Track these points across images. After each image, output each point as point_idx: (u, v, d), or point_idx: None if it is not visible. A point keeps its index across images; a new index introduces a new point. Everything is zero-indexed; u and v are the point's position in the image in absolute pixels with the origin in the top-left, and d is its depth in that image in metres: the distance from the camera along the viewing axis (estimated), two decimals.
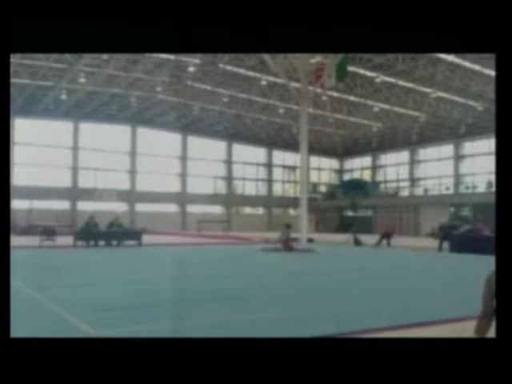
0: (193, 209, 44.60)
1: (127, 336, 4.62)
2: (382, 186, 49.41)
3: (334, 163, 54.33)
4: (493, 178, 36.26)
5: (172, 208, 44.56)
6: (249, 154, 48.48)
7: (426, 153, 45.39)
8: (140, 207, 42.11)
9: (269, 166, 50.11)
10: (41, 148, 38.15)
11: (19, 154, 35.05)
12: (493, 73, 26.88)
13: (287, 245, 19.87)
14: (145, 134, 42.53)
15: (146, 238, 22.94)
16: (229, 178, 47.75)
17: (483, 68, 26.81)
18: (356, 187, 46.66)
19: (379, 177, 50.14)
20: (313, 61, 25.16)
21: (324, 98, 32.33)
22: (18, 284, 8.32)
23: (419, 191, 43.70)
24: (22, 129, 35.87)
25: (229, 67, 28.37)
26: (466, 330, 2.51)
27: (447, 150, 43.29)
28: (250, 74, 29.41)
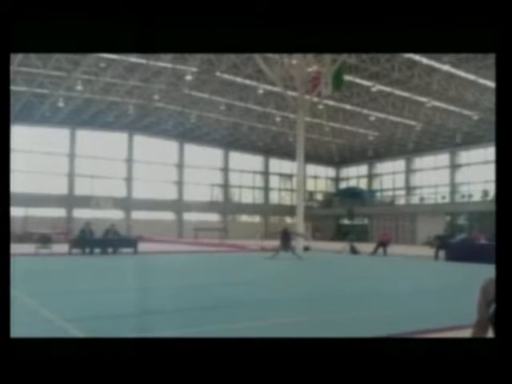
0: (189, 216, 44.53)
1: (127, 337, 4.59)
2: (378, 194, 49.52)
3: (330, 171, 54.46)
4: (488, 186, 36.39)
5: (168, 216, 44.49)
6: (245, 162, 48.57)
7: (422, 161, 45.58)
8: (136, 215, 42.02)
9: (265, 174, 50.18)
10: (37, 155, 38.11)
11: (15, 161, 34.91)
12: (488, 82, 27.10)
13: (286, 244, 19.98)
14: (142, 141, 42.54)
15: (142, 246, 22.87)
16: (225, 186, 47.76)
17: (478, 77, 27.02)
18: (352, 195, 46.75)
19: (375, 185, 50.28)
20: (309, 69, 25.31)
21: (320, 106, 32.46)
22: None
23: (415, 200, 43.80)
24: (19, 136, 35.77)
25: (226, 75, 28.48)
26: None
27: (443, 158, 43.48)
28: (247, 82, 29.53)
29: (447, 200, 40.49)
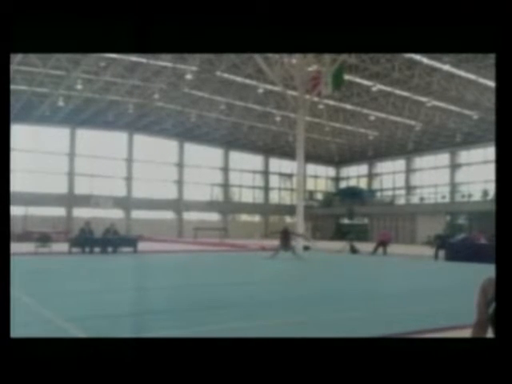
0: (189, 216, 44.54)
1: (127, 337, 4.59)
2: (378, 194, 49.52)
3: (330, 171, 54.45)
4: (488, 186, 36.38)
5: (168, 215, 44.49)
6: (245, 162, 48.56)
7: (422, 161, 45.57)
8: (136, 214, 42.01)
9: (265, 173, 50.17)
10: (37, 154, 38.10)
11: (15, 161, 34.89)
12: (488, 82, 27.09)
13: (286, 244, 19.95)
14: (142, 140, 42.53)
15: (141, 245, 22.86)
16: (225, 186, 47.76)
17: (478, 77, 27.01)
18: (352, 195, 46.73)
19: (375, 185, 50.27)
20: (309, 69, 25.31)
21: (321, 106, 32.45)
22: None
23: (415, 199, 43.80)
24: (19, 135, 35.75)
25: (226, 75, 28.47)
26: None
27: (443, 158, 43.49)
28: (247, 81, 29.52)
29: (447, 200, 40.49)
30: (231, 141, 44.97)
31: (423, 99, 31.09)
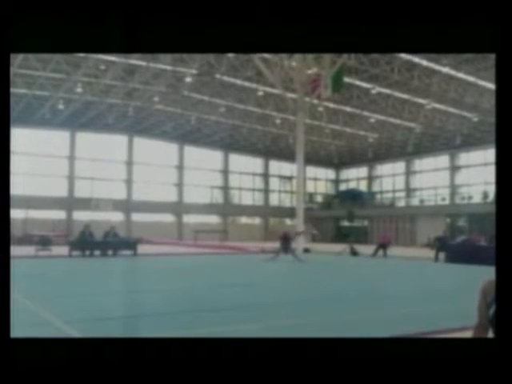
0: (189, 218, 44.52)
1: (127, 336, 4.53)
2: (378, 196, 49.52)
3: (330, 173, 54.46)
4: (488, 188, 36.39)
5: (168, 218, 44.46)
6: (245, 164, 48.56)
7: (422, 163, 45.59)
8: (136, 217, 41.99)
9: (265, 175, 50.17)
10: (37, 157, 38.08)
11: (15, 164, 34.87)
12: (488, 84, 27.12)
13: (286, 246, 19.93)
14: (142, 143, 42.53)
15: (141, 248, 22.85)
16: (225, 188, 47.75)
17: (478, 79, 27.04)
18: (352, 197, 46.72)
19: (375, 187, 50.27)
20: (309, 71, 25.36)
21: (320, 108, 32.47)
22: None
23: (415, 202, 43.79)
24: (19, 138, 35.74)
25: (225, 78, 28.50)
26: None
27: (443, 160, 43.50)
28: (247, 84, 29.54)
29: (447, 202, 40.48)
30: (231, 143, 44.98)
31: (423, 101, 31.12)
